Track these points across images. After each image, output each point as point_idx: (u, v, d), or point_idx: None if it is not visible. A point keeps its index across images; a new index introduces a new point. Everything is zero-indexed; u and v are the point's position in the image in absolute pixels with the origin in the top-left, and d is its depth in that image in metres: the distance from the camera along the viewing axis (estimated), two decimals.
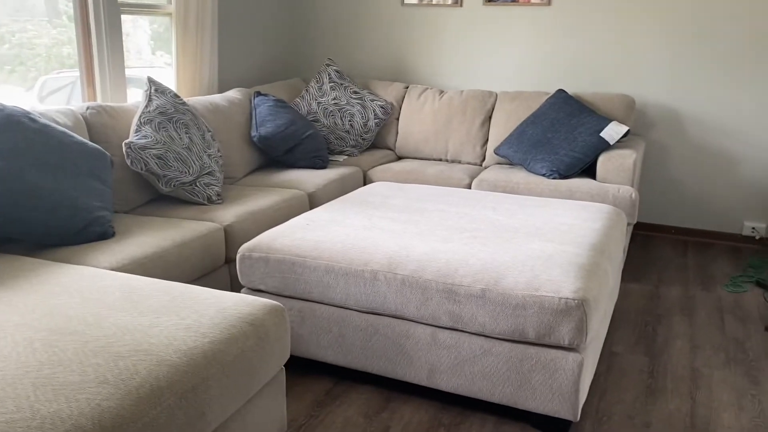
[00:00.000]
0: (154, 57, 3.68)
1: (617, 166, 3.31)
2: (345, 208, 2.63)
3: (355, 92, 4.04)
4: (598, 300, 1.95)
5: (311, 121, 3.90)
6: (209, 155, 2.95)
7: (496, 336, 1.98)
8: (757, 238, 3.83)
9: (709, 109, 3.80)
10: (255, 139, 3.44)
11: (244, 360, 1.58)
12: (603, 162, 3.35)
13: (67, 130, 2.38)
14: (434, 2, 4.26)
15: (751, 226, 3.84)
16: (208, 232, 2.54)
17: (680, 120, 3.88)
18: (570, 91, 4.03)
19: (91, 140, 2.69)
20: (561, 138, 3.51)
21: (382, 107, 4.02)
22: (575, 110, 3.60)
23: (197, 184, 2.82)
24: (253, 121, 3.50)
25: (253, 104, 3.59)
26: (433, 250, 2.14)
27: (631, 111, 3.69)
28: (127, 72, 3.25)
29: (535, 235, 2.31)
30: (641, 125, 3.96)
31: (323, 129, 3.94)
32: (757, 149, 3.74)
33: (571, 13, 3.98)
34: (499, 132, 3.84)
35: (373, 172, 3.71)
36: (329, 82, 4.05)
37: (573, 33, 4.00)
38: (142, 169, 2.66)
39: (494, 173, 3.51)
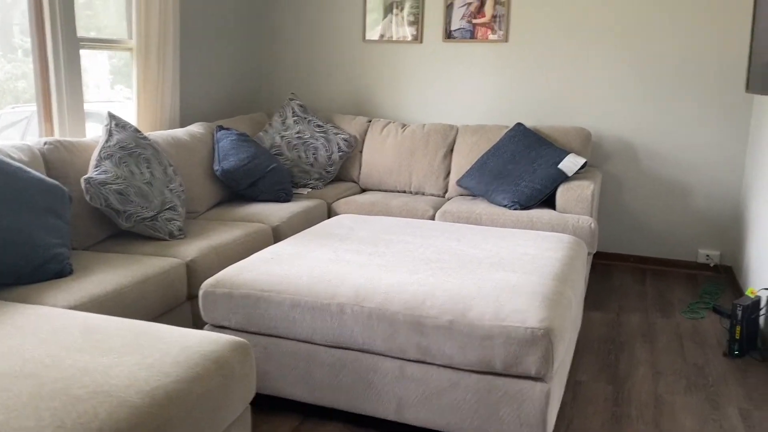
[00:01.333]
0: (113, 91, 3.64)
1: (576, 197, 3.38)
2: (310, 241, 2.61)
3: (319, 126, 4.06)
4: (563, 329, 1.98)
5: (275, 154, 3.90)
6: (171, 190, 2.91)
7: (464, 368, 1.98)
8: (711, 265, 3.95)
9: (662, 141, 3.93)
10: (218, 173, 3.41)
11: (209, 399, 1.54)
12: (562, 193, 3.42)
13: (23, 166, 2.32)
14: (395, 38, 4.34)
15: (705, 253, 3.95)
16: (170, 267, 2.49)
17: (635, 152, 4.00)
18: (528, 124, 4.13)
19: (48, 176, 2.62)
20: (521, 170, 3.58)
21: (345, 140, 4.05)
22: (534, 143, 3.68)
23: (159, 219, 2.77)
24: (216, 155, 3.47)
25: (215, 138, 3.57)
26: (400, 282, 2.14)
27: (587, 143, 3.79)
28: (86, 106, 3.20)
29: (499, 266, 2.33)
30: (598, 157, 4.07)
31: (287, 162, 3.93)
32: (707, 180, 3.88)
33: (527, 50, 4.10)
34: (461, 164, 3.89)
35: (338, 205, 3.71)
36: (293, 116, 4.06)
37: (530, 68, 4.11)
38: (101, 205, 2.60)
39: (457, 204, 3.54)
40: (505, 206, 3.48)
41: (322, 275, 2.21)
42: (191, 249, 2.67)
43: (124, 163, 2.73)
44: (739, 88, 3.73)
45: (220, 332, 2.23)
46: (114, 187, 2.64)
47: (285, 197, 3.55)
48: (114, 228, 2.84)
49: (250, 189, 3.49)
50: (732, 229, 3.89)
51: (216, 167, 3.42)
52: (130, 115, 3.53)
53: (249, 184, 3.47)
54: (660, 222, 4.01)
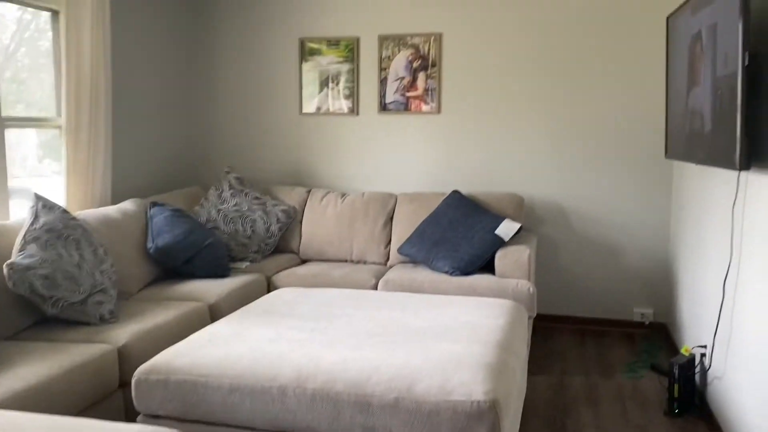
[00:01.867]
0: (42, 165, 3.52)
1: (513, 262, 3.44)
2: (249, 319, 2.54)
3: (257, 198, 4.03)
4: (509, 399, 1.97)
5: (211, 228, 3.83)
6: (102, 271, 2.80)
7: None
8: (646, 323, 4.06)
9: (592, 204, 4.09)
10: (151, 251, 3.31)
11: None
12: (500, 258, 3.48)
13: None
14: (331, 111, 4.42)
15: (640, 312, 4.07)
16: (100, 354, 2.36)
17: (567, 215, 4.14)
18: (464, 191, 4.22)
19: None
20: (460, 236, 3.63)
21: (284, 211, 4.02)
22: (470, 210, 3.76)
23: (88, 302, 2.64)
24: (149, 233, 3.38)
25: (148, 215, 3.48)
26: (344, 359, 2.10)
27: (521, 208, 3.90)
28: (12, 183, 3.07)
29: (443, 336, 2.32)
30: (532, 221, 4.18)
31: (224, 236, 3.87)
32: (637, 239, 4.04)
33: (459, 120, 4.24)
34: (401, 232, 3.92)
35: (278, 278, 3.64)
36: (229, 189, 4.02)
37: (462, 138, 4.24)
38: (26, 292, 2.46)
39: (399, 273, 3.55)
40: (446, 272, 3.50)
41: (262, 356, 2.14)
42: (123, 333, 2.55)
43: (51, 245, 2.62)
44: (659, 153, 3.95)
45: (155, 423, 2.11)
46: (40, 271, 2.51)
47: (222, 272, 3.47)
48: (40, 314, 2.68)
49: (185, 266, 3.39)
50: (663, 287, 4.03)
51: (149, 245, 3.32)
52: (59, 192, 3.41)
53: (184, 261, 3.38)
54: (596, 282, 4.12)
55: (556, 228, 4.15)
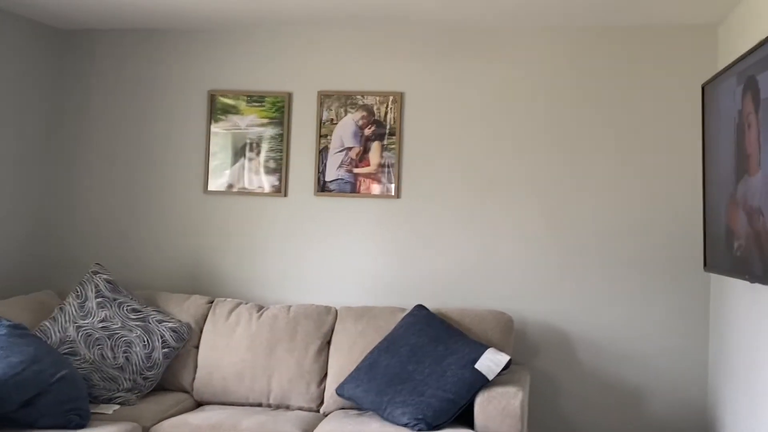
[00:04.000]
0: None
1: (501, 410, 3.30)
2: None
3: (135, 310, 3.88)
4: None
5: (65, 354, 3.64)
6: None
7: None
8: None
9: (604, 330, 4.02)
10: None
11: None
12: (482, 404, 3.34)
13: None
14: (248, 189, 4.29)
15: None
16: None
17: (569, 344, 4.05)
18: (430, 306, 4.09)
19: None
20: (426, 372, 3.51)
21: (174, 331, 3.86)
22: (441, 333, 3.65)
23: None
24: None
25: None
26: None
27: (509, 333, 3.81)
28: None
29: None
30: (522, 351, 4.08)
31: (84, 366, 3.67)
32: (664, 380, 3.96)
33: (425, 208, 4.18)
34: (342, 363, 3.79)
35: (160, 430, 3.39)
36: (96, 297, 3.88)
37: (429, 232, 4.17)
38: None
39: (338, 425, 3.38)
40: (405, 425, 3.37)
41: None
42: None
43: None
44: (694, 264, 3.93)
45: None
46: None
47: (78, 421, 3.26)
48: None
49: (23, 411, 3.16)
50: None
51: None
52: None
53: (22, 403, 3.15)
54: None
55: (556, 361, 4.06)
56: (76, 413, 3.23)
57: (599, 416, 4.01)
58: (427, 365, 3.53)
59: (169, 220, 4.40)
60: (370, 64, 4.25)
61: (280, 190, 4.30)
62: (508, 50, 4.13)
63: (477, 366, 3.47)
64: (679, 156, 3.97)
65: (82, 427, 3.23)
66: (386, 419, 3.44)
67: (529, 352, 4.08)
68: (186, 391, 3.92)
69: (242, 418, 3.49)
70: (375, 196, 4.22)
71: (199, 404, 3.89)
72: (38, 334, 3.52)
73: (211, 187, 4.36)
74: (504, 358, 3.50)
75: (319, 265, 4.27)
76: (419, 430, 3.30)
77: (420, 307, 3.78)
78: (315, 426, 3.49)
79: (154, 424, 3.46)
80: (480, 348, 3.56)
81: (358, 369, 3.64)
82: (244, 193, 4.33)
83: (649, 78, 4.00)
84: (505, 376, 3.64)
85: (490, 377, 3.43)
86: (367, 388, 3.54)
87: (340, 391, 3.63)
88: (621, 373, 4.00)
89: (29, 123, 4.27)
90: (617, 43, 4.03)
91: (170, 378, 3.91)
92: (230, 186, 4.34)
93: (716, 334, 3.79)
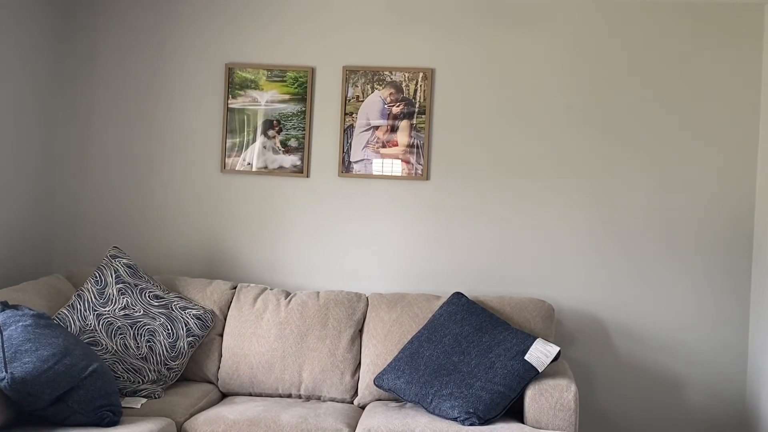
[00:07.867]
0: None
1: (554, 404, 3.27)
2: None
3: (158, 297, 3.73)
4: None
5: (88, 345, 3.44)
6: None
7: None
8: None
9: (643, 318, 3.98)
10: (4, 383, 2.80)
11: None
12: (533, 397, 3.30)
13: None
14: (269, 168, 4.14)
15: None
16: None
17: (607, 333, 4.00)
18: (467, 292, 3.98)
19: None
20: (473, 363, 3.44)
21: (198, 318, 3.71)
22: (485, 323, 3.57)
23: None
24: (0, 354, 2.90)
25: None
26: None
27: (550, 322, 3.76)
28: None
29: None
30: (559, 340, 4.02)
31: (106, 356, 3.52)
32: (701, 367, 3.94)
33: (456, 191, 4.08)
34: (377, 353, 3.69)
35: (195, 426, 3.24)
36: (116, 283, 3.71)
37: (460, 216, 4.08)
38: None
39: (384, 419, 3.25)
40: (455, 419, 3.27)
41: None
42: None
43: None
44: (735, 255, 3.93)
45: None
46: None
47: (111, 418, 3.07)
48: None
49: (54, 407, 2.96)
50: None
51: (1, 374, 2.83)
52: None
53: (54, 400, 2.94)
54: (646, 427, 3.99)
55: (593, 351, 4.03)
56: (108, 409, 3.05)
57: (635, 407, 3.99)
58: (473, 356, 3.45)
59: (186, 202, 4.22)
60: (398, 39, 4.10)
61: (302, 170, 4.14)
62: (547, 24, 4.02)
63: (527, 357, 3.40)
64: (729, 143, 3.93)
65: (116, 423, 3.06)
66: (432, 413, 3.34)
67: (564, 341, 4.02)
68: (210, 382, 3.77)
69: (280, 411, 3.35)
70: (403, 177, 4.09)
71: (224, 395, 3.75)
72: (59, 323, 3.32)
73: (228, 166, 4.17)
74: (554, 350, 3.43)
75: (344, 249, 4.15)
76: (471, 424, 3.21)
77: (458, 295, 3.69)
78: (356, 419, 3.37)
79: (187, 419, 3.28)
80: (527, 338, 3.47)
81: (398, 359, 3.54)
82: (264, 173, 4.15)
83: (698, 56, 3.95)
84: (549, 367, 3.57)
85: (541, 369, 3.38)
86: (410, 380, 3.44)
87: (378, 382, 3.53)
88: (659, 363, 3.98)
89: (34, 95, 4.04)
90: (666, 19, 3.96)
91: (193, 368, 3.76)
92: (249, 165, 4.17)
93: (756, 323, 3.77)
